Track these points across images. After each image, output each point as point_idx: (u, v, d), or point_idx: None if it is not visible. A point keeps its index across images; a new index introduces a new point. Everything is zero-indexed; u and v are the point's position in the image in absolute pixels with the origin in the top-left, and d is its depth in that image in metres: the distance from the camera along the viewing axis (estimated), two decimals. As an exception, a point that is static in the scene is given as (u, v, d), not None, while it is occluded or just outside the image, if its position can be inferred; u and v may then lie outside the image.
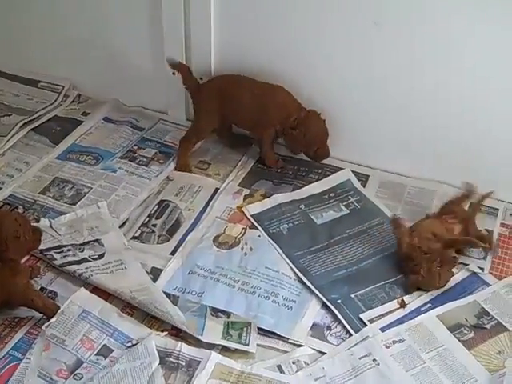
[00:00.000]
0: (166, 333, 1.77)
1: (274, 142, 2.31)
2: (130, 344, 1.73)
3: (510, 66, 1.98)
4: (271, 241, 2.04)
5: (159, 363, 1.67)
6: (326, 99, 2.24)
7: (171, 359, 1.69)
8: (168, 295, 1.85)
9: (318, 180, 2.27)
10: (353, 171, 2.29)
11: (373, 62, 2.14)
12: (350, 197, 2.20)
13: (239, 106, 2.25)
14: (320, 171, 2.30)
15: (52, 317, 1.75)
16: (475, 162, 2.14)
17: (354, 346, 1.76)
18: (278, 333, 1.79)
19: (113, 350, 1.72)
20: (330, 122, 2.24)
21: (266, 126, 2.25)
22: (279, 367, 1.71)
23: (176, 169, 2.31)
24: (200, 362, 1.69)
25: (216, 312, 1.82)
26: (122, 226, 2.08)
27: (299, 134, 2.21)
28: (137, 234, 2.06)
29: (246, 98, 2.23)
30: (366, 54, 2.14)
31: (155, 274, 1.93)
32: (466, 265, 1.97)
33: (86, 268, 1.90)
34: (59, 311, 1.76)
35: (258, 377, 1.67)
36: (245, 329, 1.78)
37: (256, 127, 2.29)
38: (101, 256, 1.95)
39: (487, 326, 1.82)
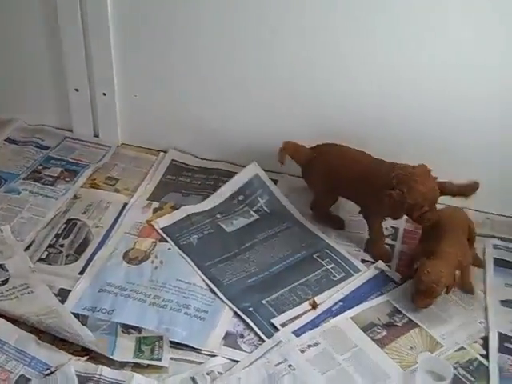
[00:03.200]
0: (86, 357, 1.72)
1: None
2: (48, 372, 1.67)
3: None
4: (181, 252, 2.02)
5: (79, 389, 1.64)
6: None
7: (92, 384, 1.66)
8: (77, 316, 1.80)
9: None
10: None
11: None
12: (259, 198, 2.20)
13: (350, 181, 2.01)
14: (229, 179, 2.27)
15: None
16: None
17: (267, 351, 1.75)
18: (191, 345, 1.76)
19: (30, 380, 1.66)
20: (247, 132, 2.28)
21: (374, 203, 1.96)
22: (193, 379, 1.69)
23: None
24: (122, 384, 1.67)
25: (127, 328, 1.78)
26: (27, 248, 2.02)
27: (399, 194, 1.86)
28: (43, 256, 2.00)
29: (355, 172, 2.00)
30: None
31: (63, 295, 1.88)
32: (374, 262, 2.00)
33: (-11, 295, 1.84)
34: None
35: (180, 396, 1.66)
36: (157, 343, 1.74)
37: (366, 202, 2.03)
38: (4, 282, 1.88)
39: (399, 324, 1.83)
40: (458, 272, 1.87)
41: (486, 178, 2.06)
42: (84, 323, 1.78)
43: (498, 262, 2.02)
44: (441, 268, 1.81)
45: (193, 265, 1.99)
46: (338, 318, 1.84)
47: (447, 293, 1.85)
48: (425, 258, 1.84)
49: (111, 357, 1.70)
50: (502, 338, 1.79)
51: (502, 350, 1.76)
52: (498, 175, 2.11)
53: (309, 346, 1.76)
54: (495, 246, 2.07)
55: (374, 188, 1.93)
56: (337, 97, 2.15)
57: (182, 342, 1.77)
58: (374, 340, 1.78)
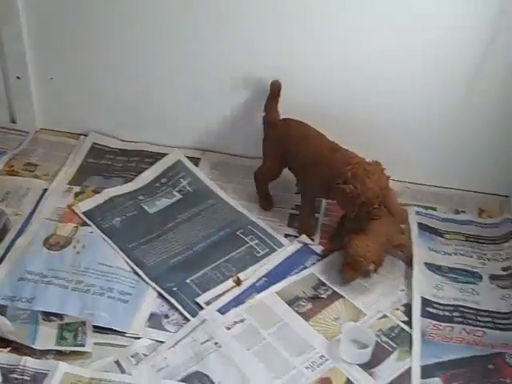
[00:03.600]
0: (9, 349, 1.67)
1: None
2: (-31, 366, 1.64)
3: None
4: (104, 236, 1.99)
5: (2, 381, 1.59)
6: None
7: (15, 375, 1.61)
8: (-6, 306, 1.77)
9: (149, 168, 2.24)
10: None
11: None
12: (182, 180, 2.19)
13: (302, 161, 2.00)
14: (151, 160, 2.26)
15: None
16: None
17: (192, 330, 1.74)
18: (115, 328, 1.74)
19: (-49, 374, 1.62)
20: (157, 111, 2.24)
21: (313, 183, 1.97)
22: (117, 363, 1.67)
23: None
24: (47, 374, 1.62)
25: (48, 316, 1.75)
26: None
27: (352, 190, 1.83)
28: (-41, 249, 1.95)
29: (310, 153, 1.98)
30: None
31: (-19, 287, 1.84)
32: (297, 236, 2.01)
33: None
34: None
35: (107, 382, 1.62)
36: (80, 329, 1.72)
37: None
38: None
39: (324, 296, 1.85)
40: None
41: (404, 148, 2.11)
42: (3, 313, 1.73)
43: (421, 227, 2.05)
44: (369, 243, 1.83)
45: (116, 247, 1.96)
46: (263, 293, 1.84)
47: (375, 271, 1.88)
48: (353, 234, 1.87)
49: (32, 346, 1.66)
50: (425, 302, 1.83)
51: (424, 314, 1.80)
52: (414, 146, 2.14)
53: (234, 323, 1.77)
54: (418, 213, 2.10)
55: (323, 174, 1.92)
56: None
57: (106, 326, 1.75)
58: (299, 313, 1.80)
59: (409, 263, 1.92)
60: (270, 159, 2.09)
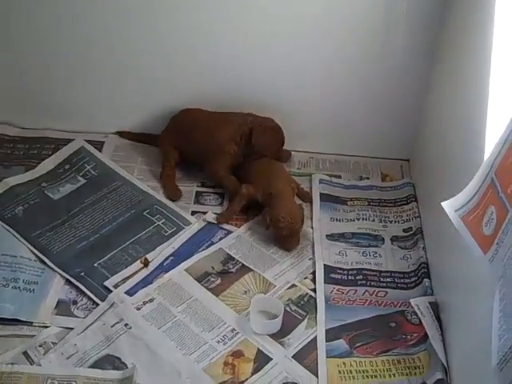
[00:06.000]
0: None
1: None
2: None
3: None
4: (6, 226, 1.94)
5: None
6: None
7: None
8: None
9: (51, 155, 2.18)
10: (88, 140, 2.22)
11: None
12: (86, 164, 2.15)
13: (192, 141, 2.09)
14: (53, 146, 2.21)
15: None
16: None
17: (102, 314, 1.73)
18: (21, 319, 1.71)
19: None
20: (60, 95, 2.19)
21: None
22: (26, 354, 1.64)
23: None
24: None
25: None
26: None
27: (268, 128, 2.07)
28: None
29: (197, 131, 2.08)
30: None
31: None
32: (204, 213, 2.01)
33: None
34: None
35: (19, 374, 1.58)
36: (-17, 323, 1.69)
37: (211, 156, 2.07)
38: None
39: (233, 270, 1.86)
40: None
41: (307, 120, 2.14)
42: None
43: (324, 197, 2.08)
44: (289, 207, 1.90)
45: (19, 237, 1.92)
46: (172, 271, 1.84)
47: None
48: (269, 209, 1.90)
49: None
50: (328, 269, 1.86)
51: (328, 280, 1.83)
52: (316, 117, 2.16)
53: (144, 303, 1.76)
54: (321, 181, 2.12)
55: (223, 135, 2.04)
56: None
57: (12, 318, 1.71)
58: (208, 289, 1.80)
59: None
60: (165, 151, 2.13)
